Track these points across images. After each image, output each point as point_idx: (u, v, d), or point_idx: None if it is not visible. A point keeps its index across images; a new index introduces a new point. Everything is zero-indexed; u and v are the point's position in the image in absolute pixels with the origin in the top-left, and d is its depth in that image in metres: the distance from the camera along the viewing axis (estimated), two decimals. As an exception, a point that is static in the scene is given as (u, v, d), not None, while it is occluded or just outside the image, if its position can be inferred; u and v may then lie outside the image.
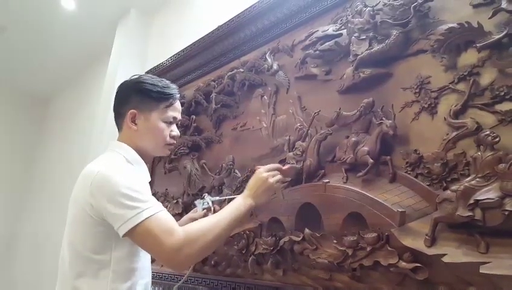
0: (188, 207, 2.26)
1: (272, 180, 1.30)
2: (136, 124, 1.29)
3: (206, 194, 1.54)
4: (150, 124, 1.29)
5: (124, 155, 1.27)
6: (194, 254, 1.08)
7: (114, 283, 1.13)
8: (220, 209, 1.45)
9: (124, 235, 1.07)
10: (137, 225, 1.05)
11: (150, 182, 1.32)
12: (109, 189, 1.10)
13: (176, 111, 1.34)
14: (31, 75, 4.99)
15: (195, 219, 1.47)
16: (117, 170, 1.15)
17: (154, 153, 1.36)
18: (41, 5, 3.59)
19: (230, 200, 1.73)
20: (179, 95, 1.37)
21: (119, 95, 1.35)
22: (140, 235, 1.07)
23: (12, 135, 5.27)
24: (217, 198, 1.54)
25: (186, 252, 1.06)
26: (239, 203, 1.24)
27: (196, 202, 1.55)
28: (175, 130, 1.35)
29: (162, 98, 1.31)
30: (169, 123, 1.33)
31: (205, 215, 1.50)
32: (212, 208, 1.50)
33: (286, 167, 1.40)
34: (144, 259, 1.25)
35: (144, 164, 1.32)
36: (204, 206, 1.51)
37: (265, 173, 1.31)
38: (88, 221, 1.13)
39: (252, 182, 1.31)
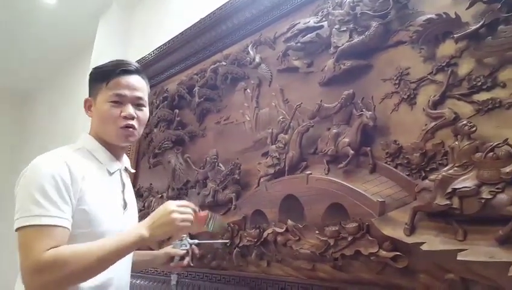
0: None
1: (175, 215, 1.11)
2: (91, 111, 1.24)
3: (185, 236, 1.45)
4: (96, 107, 1.21)
5: (83, 144, 1.22)
6: (55, 281, 0.94)
7: None
8: (199, 252, 1.41)
9: (16, 231, 1.00)
10: (21, 227, 0.98)
11: (134, 177, 1.26)
12: (25, 181, 1.05)
13: (119, 87, 1.19)
14: (11, 72, 4.91)
15: (173, 256, 1.43)
16: (45, 166, 1.06)
17: (112, 140, 1.22)
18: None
19: (210, 243, 1.72)
20: (122, 69, 1.21)
21: None
22: (19, 240, 0.98)
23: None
24: (196, 241, 1.45)
25: (44, 279, 0.93)
26: (128, 233, 1.07)
27: (174, 243, 1.47)
28: (126, 110, 1.19)
29: (104, 76, 1.20)
30: (117, 102, 1.18)
31: (183, 258, 1.43)
32: (191, 251, 1.45)
33: (202, 213, 1.26)
34: None
35: (106, 152, 1.23)
36: (182, 249, 1.44)
37: (173, 207, 1.13)
38: None
39: (155, 211, 1.14)
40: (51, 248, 0.95)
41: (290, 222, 1.53)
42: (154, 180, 2.50)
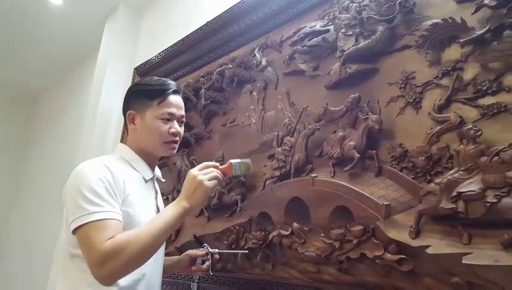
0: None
1: (201, 177, 1.18)
2: (135, 124, 1.32)
3: (206, 244, 1.54)
4: (145, 122, 1.30)
5: (121, 155, 1.31)
6: (120, 266, 1.01)
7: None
8: (219, 258, 1.51)
9: (73, 233, 1.07)
10: (80, 226, 1.04)
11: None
12: (73, 185, 1.12)
13: (170, 106, 1.30)
14: (18, 73, 4.94)
15: (194, 257, 1.52)
16: (90, 170, 1.15)
17: (156, 152, 1.34)
18: (28, 0, 3.55)
19: (231, 253, 1.76)
20: (173, 90, 1.33)
21: (123, 101, 1.38)
22: (79, 238, 1.06)
23: (1, 134, 5.23)
24: (216, 250, 1.53)
25: (110, 266, 1.00)
26: (171, 208, 1.15)
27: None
28: (174, 127, 1.30)
29: (154, 95, 1.30)
30: (167, 120, 1.29)
31: (203, 262, 1.51)
32: (210, 260, 1.51)
33: (224, 165, 1.30)
34: None
35: (142, 161, 1.32)
36: (203, 259, 1.52)
37: (196, 172, 1.20)
38: (64, 215, 1.15)
39: (184, 183, 1.21)
40: (109, 239, 1.02)
41: (295, 224, 1.53)
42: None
